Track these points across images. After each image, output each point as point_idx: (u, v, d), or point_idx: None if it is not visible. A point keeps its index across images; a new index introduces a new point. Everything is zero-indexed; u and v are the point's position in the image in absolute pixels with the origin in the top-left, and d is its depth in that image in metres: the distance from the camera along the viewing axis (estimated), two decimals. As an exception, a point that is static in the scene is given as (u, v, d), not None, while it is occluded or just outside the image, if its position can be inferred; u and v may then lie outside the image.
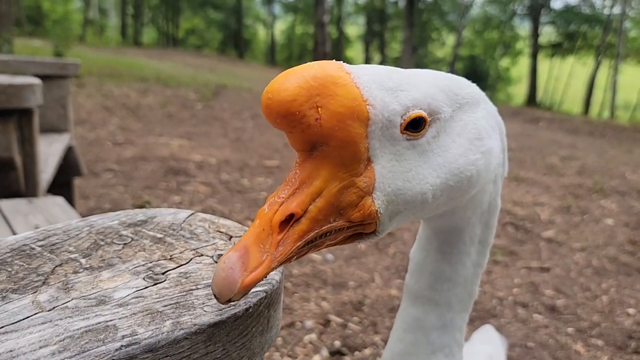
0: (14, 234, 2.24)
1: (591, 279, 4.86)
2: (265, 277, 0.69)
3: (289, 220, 0.71)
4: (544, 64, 36.23)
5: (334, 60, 0.77)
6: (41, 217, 2.35)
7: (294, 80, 0.71)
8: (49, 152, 3.72)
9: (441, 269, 1.04)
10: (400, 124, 0.77)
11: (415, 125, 0.79)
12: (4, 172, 2.73)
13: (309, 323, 3.67)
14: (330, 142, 0.72)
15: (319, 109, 0.70)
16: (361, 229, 0.80)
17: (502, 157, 1.00)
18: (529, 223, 6.20)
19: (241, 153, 8.33)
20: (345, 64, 0.77)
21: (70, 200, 4.37)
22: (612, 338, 3.89)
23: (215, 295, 0.67)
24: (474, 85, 0.96)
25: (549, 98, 35.72)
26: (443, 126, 0.84)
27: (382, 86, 0.76)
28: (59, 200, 2.64)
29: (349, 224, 0.77)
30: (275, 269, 0.71)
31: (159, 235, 0.96)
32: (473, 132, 0.87)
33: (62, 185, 4.22)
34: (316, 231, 0.73)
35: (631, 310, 4.32)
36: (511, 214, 6.42)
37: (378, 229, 0.80)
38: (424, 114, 0.79)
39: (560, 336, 3.85)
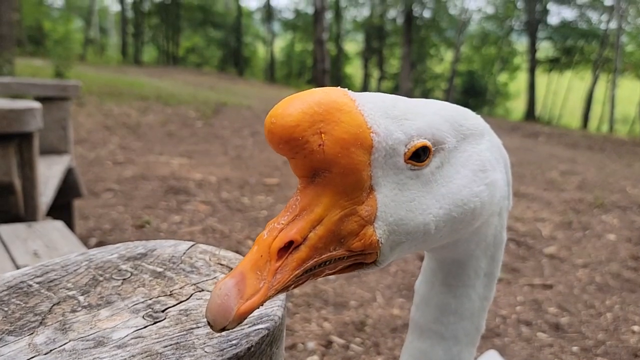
0: (13, 260, 2.22)
1: (595, 296, 4.82)
2: (262, 305, 0.66)
3: (288, 247, 0.69)
4: (542, 79, 36.39)
5: (339, 87, 0.77)
6: (40, 242, 2.33)
7: (298, 106, 0.70)
8: (49, 174, 3.71)
9: (446, 301, 1.03)
10: (404, 153, 0.77)
11: (419, 155, 0.78)
12: (3, 197, 2.72)
13: (311, 344, 3.63)
14: (332, 169, 0.72)
15: (323, 135, 0.70)
16: (361, 258, 0.78)
17: (507, 189, 0.99)
18: (530, 239, 6.17)
19: (241, 171, 8.33)
20: (350, 91, 0.77)
21: (70, 221, 4.35)
22: (617, 356, 3.85)
23: (209, 323, 0.65)
24: (479, 117, 0.95)
25: (547, 112, 35.83)
26: (447, 157, 0.83)
27: (386, 114, 0.76)
28: (58, 224, 2.62)
29: (349, 253, 0.76)
30: (272, 297, 0.69)
31: (159, 270, 0.94)
32: (477, 163, 0.87)
33: (61, 206, 4.21)
34: (315, 259, 0.72)
35: (636, 328, 4.28)
36: (512, 230, 6.40)
37: (379, 259, 0.79)
38: (428, 143, 0.79)
39: (565, 355, 3.80)
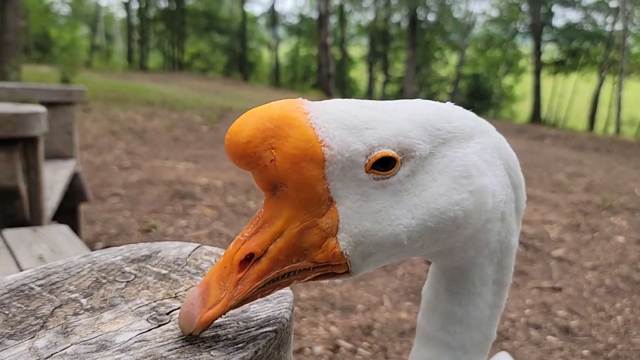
0: (18, 264, 2.21)
1: (604, 299, 4.77)
2: (224, 314, 0.70)
3: (250, 259, 0.72)
4: (548, 81, 36.25)
5: (299, 99, 0.76)
6: (45, 246, 2.32)
7: (251, 122, 0.72)
8: (55, 179, 3.71)
9: (451, 309, 0.97)
10: (365, 164, 0.74)
11: (384, 164, 0.75)
12: (9, 201, 2.71)
13: (318, 349, 3.60)
14: (287, 183, 0.72)
15: (273, 150, 0.70)
16: (330, 269, 0.77)
17: (510, 193, 0.92)
18: (538, 242, 6.12)
19: (247, 175, 8.32)
20: (308, 102, 0.76)
21: (76, 226, 4.35)
22: (629, 360, 3.80)
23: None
24: (472, 116, 0.89)
25: (553, 115, 35.67)
26: (420, 164, 0.79)
27: (343, 125, 0.74)
28: (64, 228, 2.61)
29: (314, 264, 0.75)
30: (236, 308, 0.72)
31: (164, 272, 0.92)
32: (459, 169, 0.81)
33: (67, 211, 4.21)
34: (277, 271, 0.73)
35: (647, 331, 4.22)
36: (520, 232, 6.34)
37: (351, 269, 0.78)
38: (391, 153, 0.75)
39: (576, 359, 3.76)
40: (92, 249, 4.94)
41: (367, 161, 0.74)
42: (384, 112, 0.78)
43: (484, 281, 0.96)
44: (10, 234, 2.47)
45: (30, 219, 2.82)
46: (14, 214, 2.73)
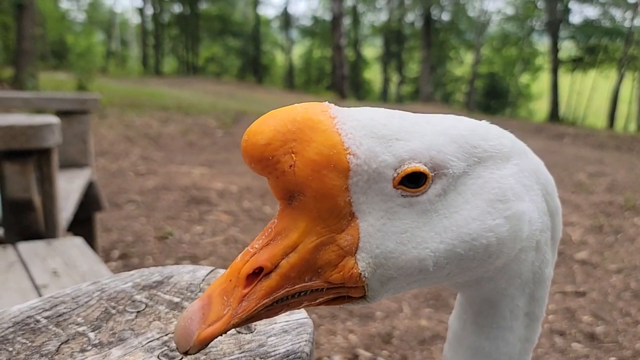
0: (32, 279, 2.19)
1: (631, 303, 4.63)
2: (225, 332, 0.63)
3: (259, 273, 0.66)
4: (565, 79, 35.76)
5: (325, 102, 0.71)
6: (59, 259, 2.29)
7: (272, 123, 0.67)
8: (70, 188, 3.71)
9: (479, 344, 0.89)
10: (393, 178, 0.69)
11: (414, 181, 0.69)
12: (23, 213, 2.70)
13: (337, 358, 3.54)
14: (306, 192, 0.67)
15: (294, 155, 0.65)
16: (345, 292, 0.71)
17: (547, 220, 0.85)
18: (560, 244, 5.96)
19: (262, 179, 8.26)
20: (335, 107, 0.70)
21: (91, 235, 4.34)
22: (658, 368, 3.68)
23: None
24: (510, 136, 0.83)
25: (571, 113, 35.17)
26: (453, 183, 0.73)
27: (372, 134, 0.68)
28: (78, 241, 2.59)
29: (328, 285, 0.69)
30: (239, 326, 0.66)
31: (176, 300, 0.87)
32: (495, 192, 0.75)
33: (83, 220, 4.20)
34: (287, 289, 0.67)
35: (676, 337, 4.09)
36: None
37: (368, 294, 0.71)
38: (423, 168, 0.69)
39: (603, 367, 3.65)
40: (109, 257, 4.94)
41: (395, 175, 0.69)
42: (416, 124, 0.73)
43: (515, 314, 0.88)
44: (24, 247, 2.46)
45: (45, 230, 2.81)
46: (29, 226, 2.72)
